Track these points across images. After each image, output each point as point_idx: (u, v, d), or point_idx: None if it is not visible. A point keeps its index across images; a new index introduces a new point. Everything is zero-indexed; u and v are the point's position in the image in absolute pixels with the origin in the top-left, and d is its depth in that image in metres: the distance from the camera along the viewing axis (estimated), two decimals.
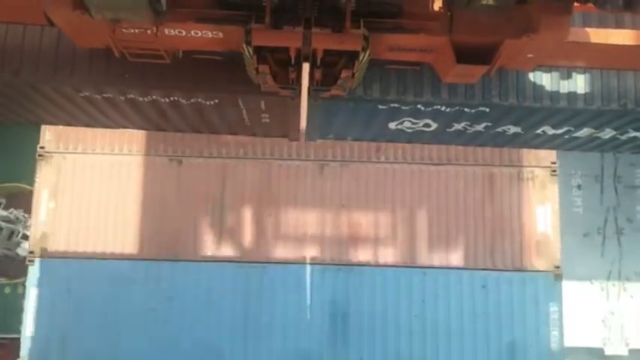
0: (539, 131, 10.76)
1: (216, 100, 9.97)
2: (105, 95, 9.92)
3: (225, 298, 13.69)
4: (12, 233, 17.83)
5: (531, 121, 10.19)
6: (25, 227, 17.56)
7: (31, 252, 13.85)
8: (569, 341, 14.00)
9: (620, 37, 7.83)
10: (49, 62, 9.22)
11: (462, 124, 10.63)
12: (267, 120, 11.13)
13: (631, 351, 16.93)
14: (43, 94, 10.08)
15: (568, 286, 14.70)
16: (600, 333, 16.97)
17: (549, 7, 6.61)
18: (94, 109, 10.80)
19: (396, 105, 9.61)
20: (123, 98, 10.04)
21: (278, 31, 6.98)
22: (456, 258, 13.95)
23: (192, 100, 9.99)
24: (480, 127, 10.74)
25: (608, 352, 16.95)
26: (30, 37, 9.14)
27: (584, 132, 10.63)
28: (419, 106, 9.61)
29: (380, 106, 9.73)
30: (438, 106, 9.62)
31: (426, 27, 7.17)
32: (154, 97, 9.86)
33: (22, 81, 9.40)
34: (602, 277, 17.13)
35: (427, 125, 10.78)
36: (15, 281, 18.15)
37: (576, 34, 7.55)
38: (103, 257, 13.79)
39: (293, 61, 7.50)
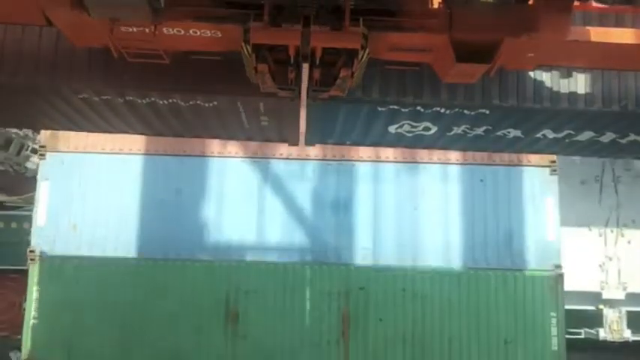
0: (539, 135, 10.67)
1: (215, 103, 9.91)
2: (103, 97, 9.86)
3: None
4: (22, 147, 17.99)
5: (532, 123, 10.11)
6: (34, 142, 17.84)
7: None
8: (568, 285, 14.08)
9: (620, 35, 7.77)
10: (48, 64, 9.18)
11: (462, 128, 10.55)
12: (266, 123, 11.05)
13: (628, 295, 17.21)
14: (41, 96, 10.01)
15: (566, 232, 14.88)
16: (598, 277, 17.27)
17: (550, 6, 6.57)
18: (93, 112, 10.72)
19: (396, 107, 9.53)
20: (121, 100, 9.97)
21: (277, 29, 6.93)
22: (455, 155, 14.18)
23: (190, 103, 9.93)
24: (479, 131, 10.65)
25: (605, 296, 17.20)
26: (28, 38, 9.08)
27: (585, 135, 10.54)
28: (418, 107, 9.53)
29: (379, 108, 9.65)
30: (438, 108, 9.54)
31: (426, 25, 7.12)
32: (153, 98, 9.79)
33: (21, 82, 9.32)
34: (600, 223, 17.47)
35: (427, 129, 10.70)
36: (24, 196, 18.27)
37: (577, 33, 7.49)
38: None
39: (292, 60, 7.46)
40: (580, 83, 9.16)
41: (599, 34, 7.66)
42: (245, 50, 7.19)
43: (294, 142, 12.27)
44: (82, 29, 7.32)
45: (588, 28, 7.72)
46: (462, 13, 6.94)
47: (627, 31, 7.83)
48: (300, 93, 8.54)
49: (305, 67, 7.73)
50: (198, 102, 9.91)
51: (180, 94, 9.58)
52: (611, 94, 9.13)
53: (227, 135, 12.45)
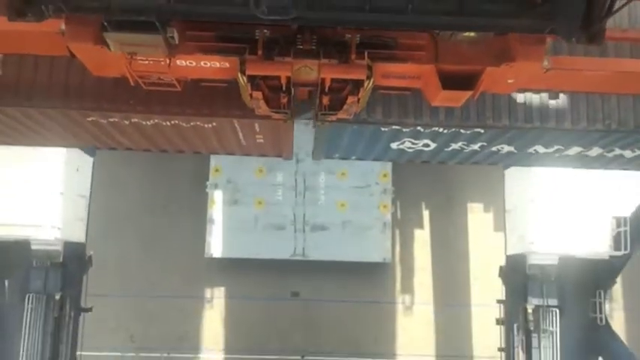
0: (531, 150, 11.13)
1: (214, 123, 10.39)
2: (111, 120, 10.35)
3: None
4: None
5: (523, 140, 10.56)
6: None
7: None
8: None
9: (601, 65, 8.25)
10: (60, 89, 9.65)
11: (459, 144, 11.00)
12: (262, 141, 11.54)
13: None
14: (53, 118, 10.49)
15: None
16: None
17: (525, 38, 6.92)
18: (101, 132, 11.21)
19: (398, 127, 9.96)
20: (127, 122, 10.47)
21: (270, 62, 7.37)
22: None
23: (192, 124, 10.43)
24: (475, 147, 11.10)
25: None
26: (42, 66, 9.55)
27: (573, 150, 10.98)
28: (418, 127, 9.98)
29: (382, 128, 10.10)
30: (436, 128, 9.98)
31: (415, 57, 7.52)
32: (157, 120, 10.28)
33: (35, 106, 9.83)
34: None
35: (426, 145, 11.17)
36: None
37: (559, 62, 7.94)
38: None
39: (284, 88, 7.88)
40: (566, 104, 9.56)
41: (579, 63, 8.10)
42: (241, 80, 7.64)
43: (288, 157, 12.81)
44: (102, 61, 7.72)
45: (569, 57, 8.12)
46: (447, 46, 7.37)
47: (608, 61, 8.32)
48: (292, 115, 8.92)
49: (299, 90, 8.13)
50: (198, 123, 10.41)
51: (182, 116, 10.06)
52: (595, 114, 9.53)
53: (225, 151, 12.97)
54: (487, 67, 7.35)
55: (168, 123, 10.43)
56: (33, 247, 14.24)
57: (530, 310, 14.45)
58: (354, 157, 12.83)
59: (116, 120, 10.36)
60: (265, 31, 7.21)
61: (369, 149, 11.71)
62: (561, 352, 14.24)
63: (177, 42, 6.95)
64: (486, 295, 18.16)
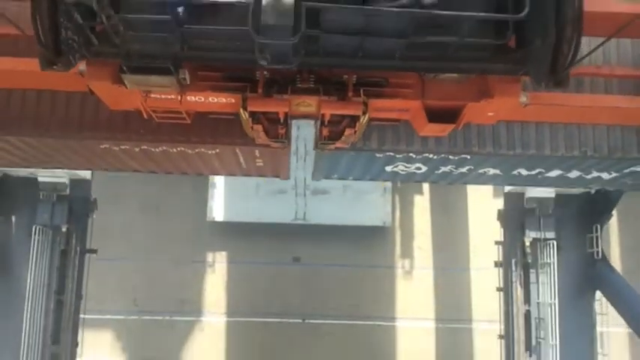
0: (515, 172, 11.89)
1: (217, 150, 11.13)
2: (122, 147, 11.09)
3: None
4: None
5: (507, 165, 11.30)
6: None
7: None
8: None
9: (577, 100, 8.97)
10: (75, 121, 10.33)
11: (449, 167, 11.73)
12: (261, 164, 12.28)
13: None
14: (68, 147, 11.23)
15: None
16: None
17: (502, 77, 7.55)
18: (111, 158, 11.95)
19: (391, 153, 10.76)
20: (137, 149, 11.22)
21: (269, 100, 8.12)
22: None
23: (197, 150, 11.17)
24: (464, 170, 11.82)
25: None
26: (59, 100, 10.26)
27: (554, 173, 11.71)
28: (411, 154, 10.73)
29: (377, 155, 10.83)
30: (427, 154, 10.76)
31: (403, 94, 8.23)
32: (165, 147, 11.01)
33: (53, 137, 10.55)
34: None
35: (418, 168, 11.90)
36: None
37: (536, 98, 8.58)
38: None
39: (282, 120, 8.66)
40: (546, 133, 10.30)
41: (549, 98, 8.71)
42: (243, 115, 8.36)
43: (285, 178, 13.60)
44: (119, 97, 8.38)
45: (539, 93, 8.61)
46: (432, 84, 8.08)
47: (581, 97, 9.07)
48: (289, 143, 9.69)
49: (294, 122, 8.96)
50: (203, 150, 11.14)
51: (188, 144, 10.80)
52: (572, 142, 10.25)
53: (226, 173, 13.78)
54: (468, 103, 8.06)
55: (174, 150, 11.15)
56: (40, 179, 14.73)
57: (528, 244, 14.91)
58: (351, 178, 13.56)
59: (127, 147, 11.10)
60: (265, 72, 7.92)
61: (365, 172, 12.44)
62: (559, 287, 14.61)
63: (188, 82, 7.65)
64: (485, 260, 18.47)
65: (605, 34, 7.05)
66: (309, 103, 8.26)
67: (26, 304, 14.64)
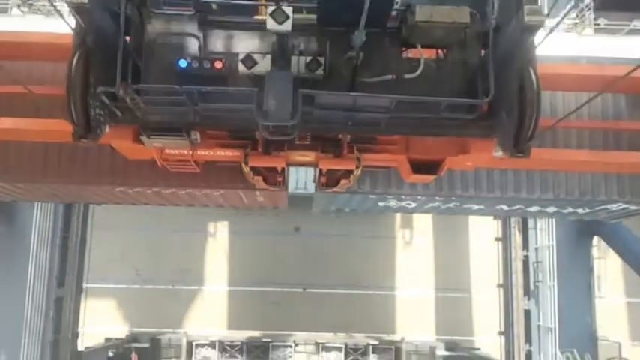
0: (497, 208, 12.86)
1: (222, 191, 12.12)
2: (136, 190, 12.08)
3: None
4: None
5: (489, 202, 12.25)
6: None
7: None
8: None
9: (550, 154, 9.85)
10: (94, 169, 11.26)
11: (436, 204, 12.72)
12: (262, 200, 13.30)
13: None
14: (87, 189, 12.21)
15: None
16: None
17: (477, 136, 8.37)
18: (126, 197, 12.97)
19: (383, 195, 11.77)
20: (150, 191, 12.23)
21: (267, 157, 9.20)
22: None
23: (203, 192, 12.19)
24: (450, 205, 12.82)
25: None
26: (79, 151, 11.15)
27: (533, 209, 12.69)
28: (401, 195, 11.74)
29: (370, 196, 11.87)
30: (415, 196, 11.77)
31: (390, 150, 9.23)
32: (174, 189, 11.97)
33: (74, 183, 11.55)
34: None
35: (408, 204, 12.90)
36: None
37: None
38: None
39: (279, 171, 9.71)
40: (523, 177, 11.23)
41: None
42: (244, 168, 9.41)
43: (284, 207, 14.59)
44: (137, 152, 9.31)
45: None
46: (415, 141, 9.08)
47: (546, 151, 9.92)
48: (286, 188, 10.55)
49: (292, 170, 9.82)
50: (208, 191, 12.14)
51: (195, 187, 11.75)
52: (546, 186, 11.18)
53: (229, 206, 14.83)
54: (448, 157, 9.00)
55: (183, 191, 12.15)
56: None
57: None
58: (347, 210, 14.53)
59: (140, 190, 12.10)
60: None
61: (359, 206, 13.42)
62: (557, 232, 15.05)
63: (199, 141, 8.57)
64: (484, 233, 19.24)
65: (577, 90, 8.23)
66: (306, 154, 9.27)
67: (31, 246, 15.47)
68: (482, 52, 7.45)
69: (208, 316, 22.70)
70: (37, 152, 11.06)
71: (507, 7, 6.97)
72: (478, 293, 22.41)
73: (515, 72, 7.02)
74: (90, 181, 11.46)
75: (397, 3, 7.16)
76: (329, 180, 10.07)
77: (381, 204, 12.83)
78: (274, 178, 10.02)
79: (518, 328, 17.93)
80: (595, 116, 10.52)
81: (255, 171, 9.56)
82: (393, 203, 12.71)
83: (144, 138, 8.27)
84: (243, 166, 9.37)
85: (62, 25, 7.27)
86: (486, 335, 20.74)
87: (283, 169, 9.65)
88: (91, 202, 14.29)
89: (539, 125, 7.45)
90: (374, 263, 22.45)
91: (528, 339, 17.73)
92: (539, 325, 17.10)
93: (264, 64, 7.31)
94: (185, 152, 9.30)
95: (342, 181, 9.79)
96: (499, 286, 17.87)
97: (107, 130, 8.11)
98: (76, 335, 18.79)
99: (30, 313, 16.22)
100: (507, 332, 18.78)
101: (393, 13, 7.18)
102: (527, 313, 17.65)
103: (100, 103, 7.42)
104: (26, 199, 15.31)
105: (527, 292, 16.96)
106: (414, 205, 12.74)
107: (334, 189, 10.39)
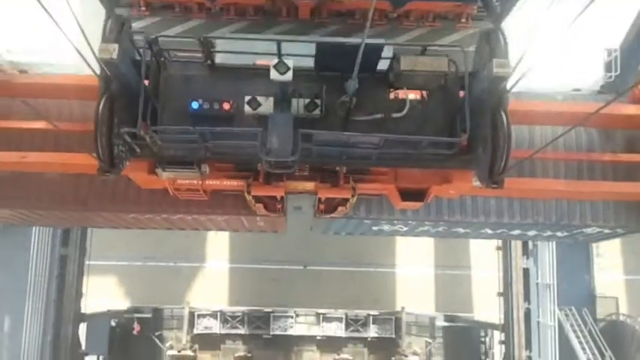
0: (482, 231, 13.74)
1: (226, 217, 12.99)
2: (147, 216, 12.96)
3: None
4: None
5: (475, 227, 13.14)
6: None
7: None
8: None
9: (527, 184, 10.66)
10: (108, 196, 12.05)
11: (426, 227, 13.59)
12: (262, 224, 14.17)
13: None
14: (101, 215, 13.07)
15: None
16: None
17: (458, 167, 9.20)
18: (137, 222, 13.87)
19: (376, 219, 12.66)
20: (159, 218, 13.15)
21: (268, 186, 10.08)
22: None
23: (209, 217, 13.06)
24: (439, 229, 13.73)
25: None
26: (96, 180, 11.83)
27: (515, 232, 13.58)
28: (393, 220, 12.62)
29: (365, 220, 12.78)
30: (406, 220, 12.66)
31: (380, 180, 10.14)
32: (182, 215, 12.81)
33: (89, 210, 12.36)
34: None
35: (400, 227, 13.79)
36: None
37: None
38: None
39: (279, 198, 10.61)
40: (504, 204, 12.10)
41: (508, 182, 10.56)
42: (247, 197, 10.31)
43: (283, 232, 15.46)
44: (150, 182, 10.15)
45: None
46: (403, 172, 9.97)
47: (524, 181, 10.74)
48: (286, 214, 11.57)
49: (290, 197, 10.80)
50: (213, 217, 13.01)
51: (201, 213, 12.58)
52: (526, 212, 12.05)
53: (230, 229, 15.72)
54: (432, 186, 9.93)
55: (190, 217, 13.02)
56: None
57: None
58: (344, 233, 15.42)
59: (150, 216, 12.97)
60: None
61: (355, 229, 14.30)
62: None
63: (207, 172, 9.49)
64: None
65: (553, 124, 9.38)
66: (307, 185, 10.19)
67: None
68: (462, 93, 8.29)
69: (209, 292, 22.99)
70: (57, 182, 11.85)
71: (483, 55, 7.91)
72: (478, 270, 22.67)
73: (489, 113, 7.90)
74: (106, 208, 12.33)
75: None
76: (327, 207, 10.95)
77: (374, 228, 13.70)
78: (274, 206, 10.93)
79: (517, 287, 18.24)
80: (570, 148, 11.36)
81: (257, 199, 10.43)
82: (386, 227, 13.57)
83: (159, 170, 9.15)
84: (246, 194, 10.24)
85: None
86: (486, 312, 21.07)
87: (282, 197, 10.50)
88: (103, 226, 15.14)
89: (520, 156, 8.33)
90: (374, 242, 22.51)
91: (527, 298, 18.09)
92: (537, 283, 17.46)
93: (267, 106, 8.18)
94: (195, 182, 10.21)
95: (339, 208, 10.68)
96: (498, 248, 18.25)
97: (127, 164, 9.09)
98: (80, 295, 19.05)
99: (34, 272, 16.57)
100: (506, 293, 19.01)
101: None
102: (525, 271, 17.99)
103: (122, 140, 8.30)
104: (40, 224, 16.18)
105: (525, 251, 17.25)
106: (405, 228, 13.61)
107: (332, 215, 11.28)
